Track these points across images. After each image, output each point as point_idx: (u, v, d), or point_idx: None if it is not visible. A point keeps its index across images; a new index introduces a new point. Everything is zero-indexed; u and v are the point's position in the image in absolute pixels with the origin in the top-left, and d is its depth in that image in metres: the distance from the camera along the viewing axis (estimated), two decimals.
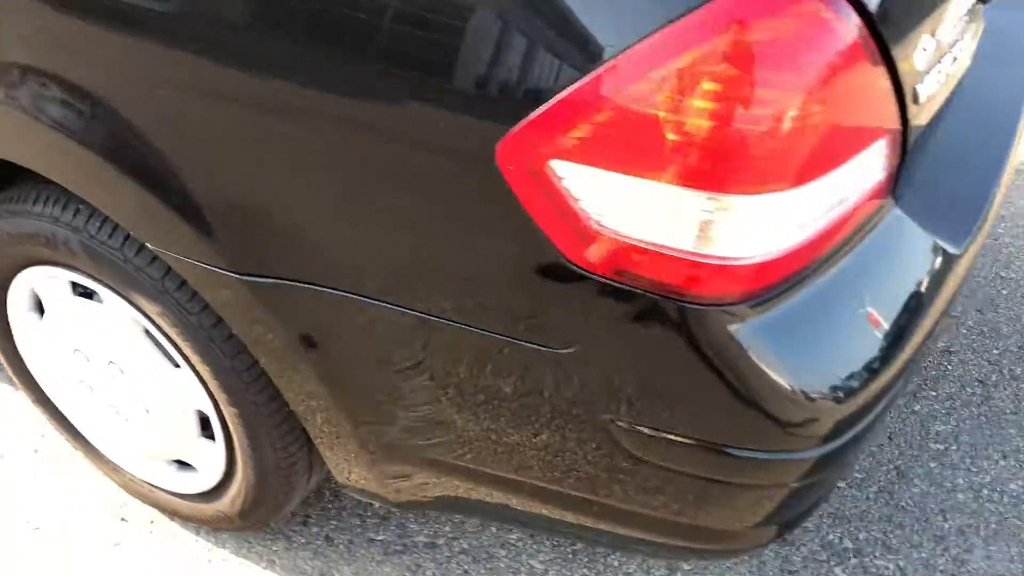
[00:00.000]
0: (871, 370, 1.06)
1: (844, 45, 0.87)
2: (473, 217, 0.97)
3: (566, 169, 0.91)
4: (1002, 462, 1.91)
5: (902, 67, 0.93)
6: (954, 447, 1.94)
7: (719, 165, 0.88)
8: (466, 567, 1.67)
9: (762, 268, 0.95)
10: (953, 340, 2.16)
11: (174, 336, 1.30)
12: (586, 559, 1.69)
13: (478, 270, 1.00)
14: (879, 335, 1.06)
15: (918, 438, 1.95)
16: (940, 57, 1.01)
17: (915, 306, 1.12)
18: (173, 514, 1.66)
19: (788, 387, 0.99)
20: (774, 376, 0.99)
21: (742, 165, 0.88)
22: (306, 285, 1.08)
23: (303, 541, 1.69)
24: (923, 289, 1.14)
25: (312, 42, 0.94)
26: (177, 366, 1.38)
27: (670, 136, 0.87)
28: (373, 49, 0.92)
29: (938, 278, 1.16)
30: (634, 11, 0.85)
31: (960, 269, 1.21)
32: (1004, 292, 2.30)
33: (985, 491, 1.86)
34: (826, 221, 0.98)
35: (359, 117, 0.95)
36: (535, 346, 1.03)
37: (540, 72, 0.88)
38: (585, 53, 0.86)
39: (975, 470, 1.90)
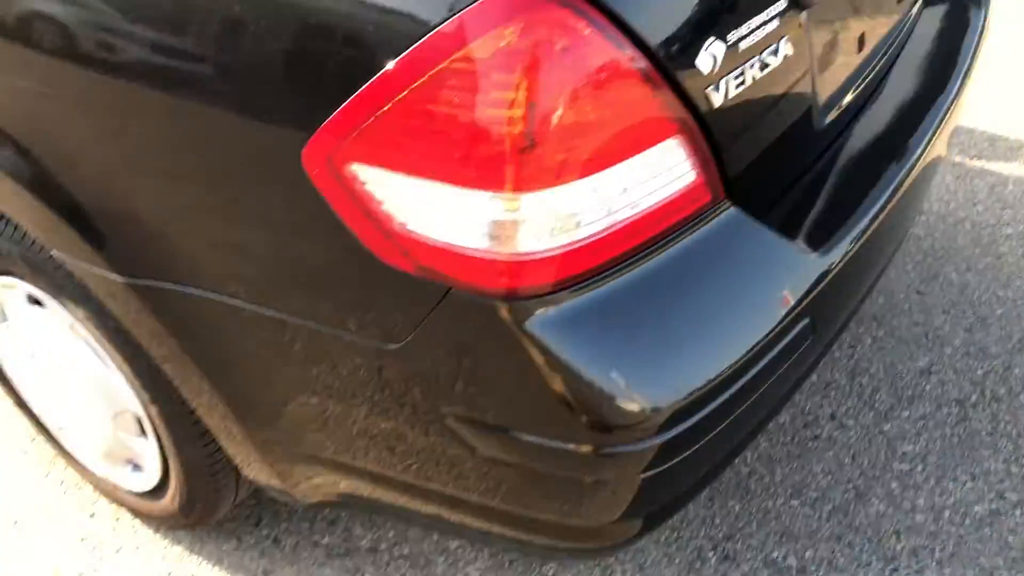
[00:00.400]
0: (696, 362, 1.08)
1: (602, 50, 0.91)
2: (297, 219, 1.04)
3: (365, 173, 0.98)
4: (969, 484, 1.85)
5: (679, 73, 0.96)
6: (920, 467, 1.88)
7: (497, 164, 0.93)
8: (404, 571, 1.72)
9: (562, 260, 0.99)
10: (935, 360, 2.11)
11: (100, 339, 1.42)
12: (521, 568, 1.72)
13: (308, 268, 1.07)
14: (704, 327, 1.08)
15: (883, 458, 1.90)
16: (743, 61, 1.03)
17: (753, 304, 1.13)
18: (135, 512, 1.78)
19: (600, 377, 1.02)
20: (586, 366, 1.02)
21: (521, 163, 0.93)
22: (173, 285, 1.17)
23: (252, 541, 1.77)
24: (768, 289, 1.15)
25: (150, 52, 1.04)
26: (109, 368, 1.49)
27: (450, 139, 0.93)
28: (199, 56, 1.01)
29: (787, 281, 1.16)
30: (406, 19, 0.91)
31: (825, 276, 1.21)
32: (999, 311, 2.22)
33: (947, 512, 1.80)
34: (626, 215, 1.01)
35: (190, 122, 1.04)
36: (368, 342, 1.09)
37: (332, 77, 0.95)
38: (367, 58, 0.93)
39: (939, 491, 1.84)
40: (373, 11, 0.93)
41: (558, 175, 0.95)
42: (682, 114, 0.99)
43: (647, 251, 1.07)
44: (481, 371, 1.05)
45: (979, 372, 2.07)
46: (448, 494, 1.23)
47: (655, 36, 0.94)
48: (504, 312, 1.00)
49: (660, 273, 1.08)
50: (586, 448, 1.08)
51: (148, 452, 1.58)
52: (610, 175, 0.97)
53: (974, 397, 2.02)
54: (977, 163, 2.71)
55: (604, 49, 0.91)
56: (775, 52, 1.07)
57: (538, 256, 0.99)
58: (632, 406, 1.05)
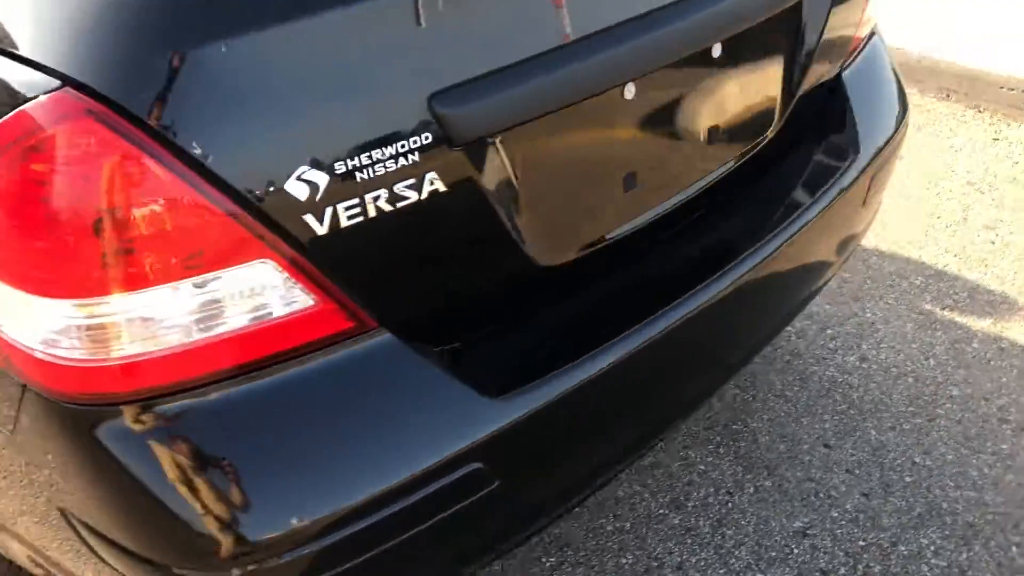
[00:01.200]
0: (311, 489, 1.03)
1: (154, 174, 0.89)
2: None
3: None
4: None
5: (263, 199, 0.93)
6: None
7: (53, 270, 0.92)
8: None
9: (138, 369, 0.96)
10: (815, 522, 1.93)
11: None
12: None
13: None
14: (327, 456, 1.03)
15: None
16: (361, 191, 0.97)
17: (399, 440, 1.07)
18: None
19: (172, 498, 0.98)
20: (154, 483, 0.98)
21: (77, 271, 0.91)
22: None
23: None
24: (421, 429, 1.09)
25: None
26: None
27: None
28: None
29: (444, 423, 1.09)
30: None
31: (506, 425, 1.13)
32: (908, 479, 2.02)
33: None
34: (220, 331, 0.97)
35: None
36: None
37: None
38: None
39: None
40: None
41: (125, 283, 0.93)
42: (272, 238, 0.96)
43: (262, 368, 1.02)
44: (68, 472, 1.03)
45: (860, 543, 1.88)
46: None
47: (225, 156, 0.91)
48: (72, 418, 0.98)
49: (277, 393, 1.03)
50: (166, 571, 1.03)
51: None
52: (188, 288, 0.95)
53: (843, 571, 1.83)
54: (947, 314, 2.51)
55: (156, 173, 0.89)
56: (416, 187, 1.01)
57: (103, 364, 0.96)
58: (217, 535, 1.00)
